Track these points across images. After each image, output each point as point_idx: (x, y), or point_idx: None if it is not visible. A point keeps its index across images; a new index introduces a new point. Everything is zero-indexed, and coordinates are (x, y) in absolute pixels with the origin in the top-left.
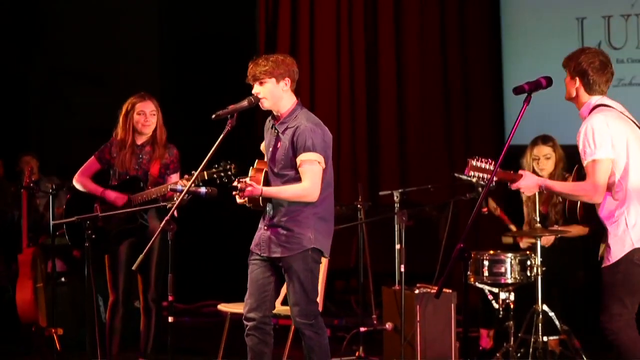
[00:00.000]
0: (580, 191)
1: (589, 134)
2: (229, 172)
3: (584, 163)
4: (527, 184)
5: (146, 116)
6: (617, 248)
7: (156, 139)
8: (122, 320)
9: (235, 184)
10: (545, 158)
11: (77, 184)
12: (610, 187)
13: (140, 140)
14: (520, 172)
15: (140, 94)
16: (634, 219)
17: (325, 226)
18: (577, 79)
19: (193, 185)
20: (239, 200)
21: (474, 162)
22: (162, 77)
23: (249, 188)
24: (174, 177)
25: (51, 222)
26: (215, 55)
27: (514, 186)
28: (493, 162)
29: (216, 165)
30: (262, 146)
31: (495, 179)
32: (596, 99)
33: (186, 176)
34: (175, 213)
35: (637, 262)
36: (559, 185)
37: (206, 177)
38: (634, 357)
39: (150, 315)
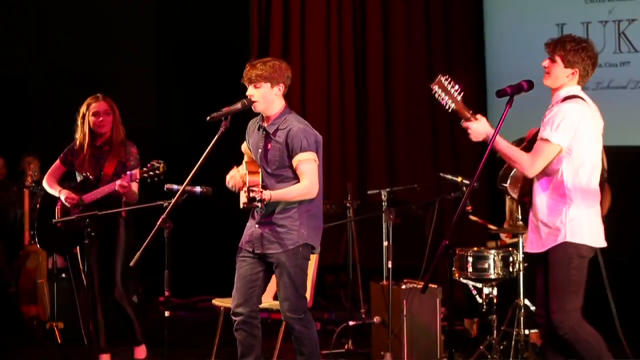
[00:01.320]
0: (519, 160)
1: (558, 116)
2: (158, 171)
3: (539, 137)
4: (477, 128)
5: (100, 116)
6: (550, 238)
7: (112, 139)
8: (104, 315)
9: (252, 195)
10: None
11: (44, 185)
12: (550, 173)
13: (99, 141)
14: (478, 115)
15: (95, 95)
16: (572, 215)
17: (316, 222)
18: (577, 70)
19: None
20: (244, 202)
21: (443, 80)
22: (159, 80)
23: (263, 195)
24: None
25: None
26: (210, 58)
27: (464, 124)
28: (460, 90)
29: (148, 165)
30: (244, 147)
31: (453, 106)
32: (578, 89)
33: (125, 177)
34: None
35: (586, 256)
36: (503, 144)
37: (138, 177)
38: (596, 349)
39: (124, 310)
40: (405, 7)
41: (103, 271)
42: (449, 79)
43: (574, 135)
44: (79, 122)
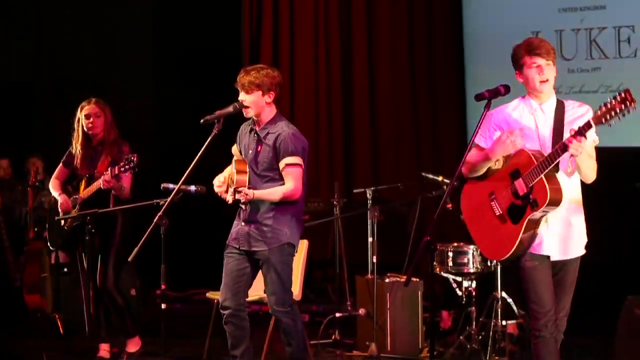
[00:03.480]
0: (594, 169)
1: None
2: (132, 164)
3: (594, 139)
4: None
5: (91, 118)
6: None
7: (105, 139)
8: (105, 307)
9: (236, 196)
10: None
11: (50, 188)
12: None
13: (94, 142)
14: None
15: (88, 99)
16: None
17: (298, 223)
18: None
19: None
20: (230, 200)
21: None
22: (156, 85)
23: (247, 195)
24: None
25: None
26: (204, 64)
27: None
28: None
29: (124, 160)
30: (234, 149)
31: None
32: None
33: (106, 173)
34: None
35: None
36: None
37: (117, 171)
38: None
39: (115, 302)
40: (389, 15)
41: (106, 267)
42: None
43: None
44: (75, 125)
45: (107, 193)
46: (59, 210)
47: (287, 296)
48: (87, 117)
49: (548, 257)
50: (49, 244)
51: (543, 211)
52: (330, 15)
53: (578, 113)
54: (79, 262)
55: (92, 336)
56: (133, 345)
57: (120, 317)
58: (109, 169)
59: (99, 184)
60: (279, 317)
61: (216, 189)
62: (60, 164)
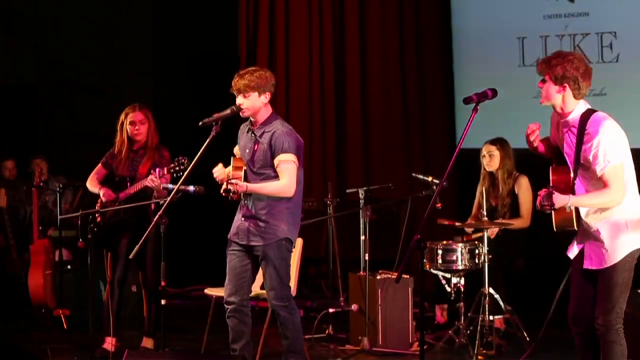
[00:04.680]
0: (604, 200)
1: (608, 141)
2: (183, 166)
3: (604, 169)
4: (559, 201)
5: (136, 125)
6: (622, 248)
7: (148, 144)
8: (118, 303)
9: (227, 186)
10: (489, 155)
11: (87, 186)
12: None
13: (136, 146)
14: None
15: (133, 105)
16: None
17: (295, 219)
18: (566, 85)
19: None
20: (221, 190)
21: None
22: (156, 89)
23: (239, 187)
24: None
25: (58, 217)
26: (203, 68)
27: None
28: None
29: (175, 161)
30: (236, 149)
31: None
32: (583, 104)
33: (154, 172)
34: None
35: (636, 259)
36: (584, 200)
37: (165, 172)
38: (626, 356)
39: (149, 299)
40: (380, 22)
41: (126, 263)
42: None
43: (624, 149)
44: (118, 129)
45: (147, 196)
46: (102, 201)
47: (286, 291)
48: (133, 123)
49: None
50: (80, 239)
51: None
52: (324, 22)
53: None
54: (105, 259)
55: (96, 331)
56: (149, 343)
57: (148, 315)
58: (157, 169)
59: (143, 183)
60: (277, 310)
61: (215, 175)
62: (100, 164)
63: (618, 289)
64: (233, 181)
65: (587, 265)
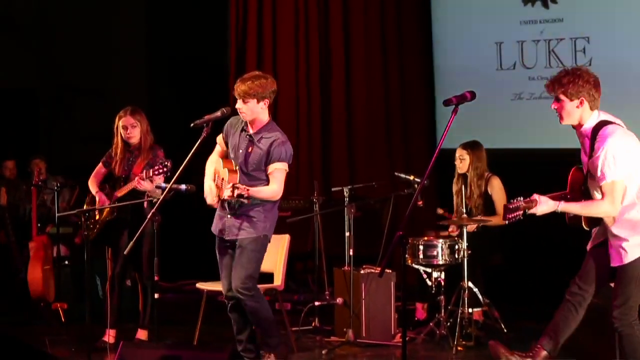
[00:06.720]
0: (599, 211)
1: (609, 157)
2: (166, 168)
3: (603, 182)
4: (543, 209)
5: (128, 129)
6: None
7: (142, 145)
8: (118, 297)
9: (237, 192)
10: (460, 158)
11: (89, 185)
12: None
13: (131, 147)
14: (535, 196)
15: (125, 109)
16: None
17: (275, 219)
18: (583, 99)
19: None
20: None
21: (509, 207)
22: (150, 92)
23: (249, 191)
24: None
25: (56, 214)
26: (194, 72)
27: (531, 212)
28: (521, 199)
29: (159, 164)
30: (220, 138)
31: (525, 211)
32: (597, 113)
33: (141, 175)
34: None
35: None
36: (575, 207)
37: (151, 174)
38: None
39: (145, 293)
40: (364, 29)
41: (125, 258)
42: (510, 202)
43: (628, 165)
44: (114, 131)
45: (140, 194)
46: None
47: (252, 282)
48: (125, 128)
49: None
50: (84, 235)
51: None
52: (310, 27)
53: (594, 156)
54: (107, 255)
55: (93, 324)
56: (144, 334)
57: (144, 308)
58: (144, 171)
59: (133, 184)
60: (244, 300)
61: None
62: (100, 163)
63: (633, 284)
64: (238, 185)
65: (614, 264)
